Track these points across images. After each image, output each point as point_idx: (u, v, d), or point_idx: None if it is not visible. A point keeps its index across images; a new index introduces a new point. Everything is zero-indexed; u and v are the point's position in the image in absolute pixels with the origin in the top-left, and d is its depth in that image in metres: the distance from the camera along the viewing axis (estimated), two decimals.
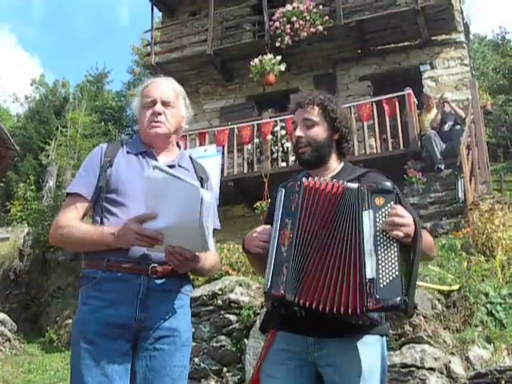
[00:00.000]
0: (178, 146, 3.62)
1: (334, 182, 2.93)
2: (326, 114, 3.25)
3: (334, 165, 3.27)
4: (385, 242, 2.73)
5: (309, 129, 3.24)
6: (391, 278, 2.66)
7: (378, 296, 2.63)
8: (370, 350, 2.98)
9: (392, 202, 2.80)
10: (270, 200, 3.60)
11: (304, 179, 2.96)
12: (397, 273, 2.66)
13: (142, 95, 3.50)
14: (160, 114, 3.41)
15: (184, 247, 3.03)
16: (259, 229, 3.06)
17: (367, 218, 2.77)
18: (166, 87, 3.52)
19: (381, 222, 2.76)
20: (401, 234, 2.72)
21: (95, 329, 3.09)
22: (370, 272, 2.68)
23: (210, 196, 2.96)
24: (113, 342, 3.08)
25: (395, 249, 2.71)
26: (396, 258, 2.69)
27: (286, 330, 3.02)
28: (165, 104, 3.44)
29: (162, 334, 3.18)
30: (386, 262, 2.69)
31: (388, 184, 2.87)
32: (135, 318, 3.12)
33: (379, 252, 2.71)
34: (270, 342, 3.07)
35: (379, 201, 2.80)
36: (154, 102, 3.42)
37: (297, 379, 2.98)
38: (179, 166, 3.47)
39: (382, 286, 2.65)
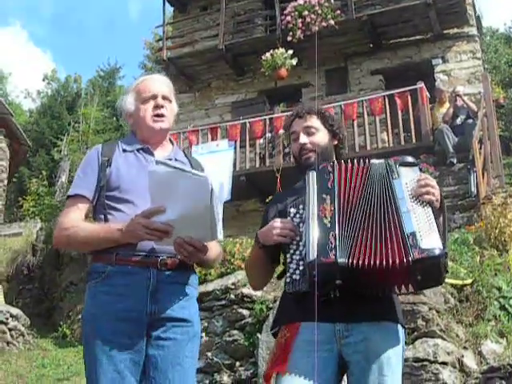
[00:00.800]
0: (171, 141, 3.67)
1: (360, 161, 3.06)
2: (325, 121, 3.41)
3: None
4: (419, 203, 2.89)
5: (311, 135, 3.36)
6: (429, 232, 2.80)
7: (421, 246, 2.74)
8: (396, 337, 3.06)
9: (419, 172, 3.00)
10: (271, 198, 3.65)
11: (335, 161, 3.13)
12: (434, 228, 2.81)
13: (138, 91, 3.52)
14: (163, 106, 3.47)
15: (193, 237, 3.04)
16: (281, 219, 3.10)
17: (398, 184, 2.93)
18: (162, 83, 3.57)
19: (411, 187, 2.93)
20: (433, 198, 2.89)
21: (107, 325, 3.10)
22: (409, 227, 2.81)
23: (218, 186, 2.97)
24: (125, 337, 3.09)
25: (429, 208, 2.88)
26: (431, 217, 2.85)
27: (312, 319, 2.98)
28: (164, 98, 3.50)
29: (175, 323, 3.19)
30: (423, 219, 2.84)
31: (411, 158, 3.08)
32: (146, 311, 3.13)
33: (415, 211, 2.86)
34: (294, 333, 3.07)
35: (406, 171, 2.98)
36: (155, 96, 3.46)
37: (322, 372, 2.97)
38: (176, 159, 3.49)
39: (421, 238, 2.77)
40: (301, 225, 3.01)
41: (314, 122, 3.38)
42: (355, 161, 3.05)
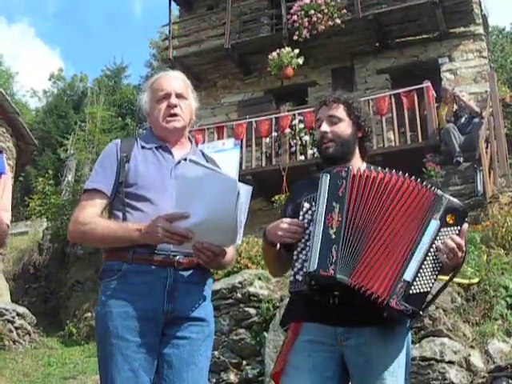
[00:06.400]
0: (190, 140, 3.63)
1: (396, 173, 2.97)
2: (351, 112, 3.29)
3: (358, 163, 3.27)
4: (434, 258, 2.83)
5: (334, 125, 3.27)
6: (422, 290, 2.80)
7: (404, 299, 2.75)
8: (398, 340, 3.04)
9: (459, 227, 2.87)
10: (288, 193, 3.61)
11: (350, 167, 3.01)
12: (429, 289, 2.81)
13: (153, 89, 3.49)
14: (176, 105, 3.42)
15: (213, 243, 3.03)
16: (288, 220, 3.07)
17: (433, 227, 2.85)
18: (176, 80, 3.52)
19: (442, 237, 2.85)
20: (447, 261, 2.82)
21: (122, 323, 3.08)
22: (409, 274, 2.79)
23: (246, 191, 2.94)
24: (141, 336, 3.08)
25: (438, 268, 2.83)
26: (435, 276, 2.82)
27: (314, 320, 3.03)
28: (178, 96, 3.45)
29: (191, 323, 3.19)
30: (426, 274, 2.81)
31: (466, 209, 2.96)
32: (163, 310, 3.12)
33: (425, 263, 2.82)
34: (296, 333, 3.08)
35: (450, 219, 2.87)
36: (169, 95, 3.42)
37: (323, 371, 2.98)
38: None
39: (411, 292, 2.78)
40: (311, 223, 2.96)
41: (339, 111, 3.28)
42: (373, 170, 3.01)
